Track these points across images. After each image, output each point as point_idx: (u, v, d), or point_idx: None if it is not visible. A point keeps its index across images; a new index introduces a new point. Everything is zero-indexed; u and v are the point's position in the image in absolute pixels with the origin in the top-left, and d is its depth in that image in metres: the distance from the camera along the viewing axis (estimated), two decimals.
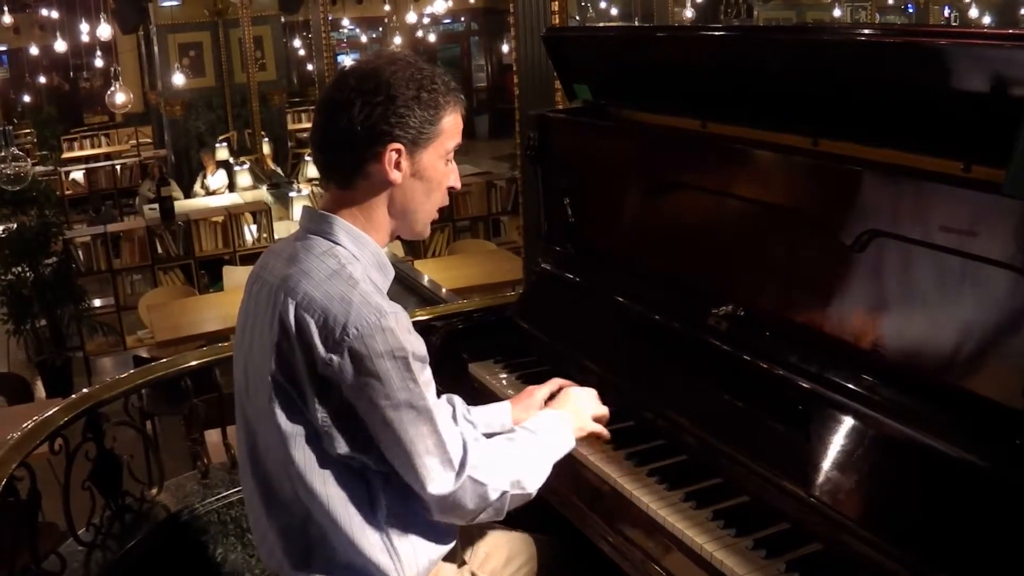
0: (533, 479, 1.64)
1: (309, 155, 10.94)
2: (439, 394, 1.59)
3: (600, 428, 1.89)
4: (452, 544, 1.66)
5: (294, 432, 1.48)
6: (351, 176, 1.53)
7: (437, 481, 1.50)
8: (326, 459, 1.49)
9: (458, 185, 1.62)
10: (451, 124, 1.56)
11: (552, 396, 1.97)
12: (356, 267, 1.50)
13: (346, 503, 1.50)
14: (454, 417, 1.84)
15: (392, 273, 1.61)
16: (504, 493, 1.57)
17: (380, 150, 1.49)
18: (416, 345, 1.47)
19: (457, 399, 1.86)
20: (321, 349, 1.42)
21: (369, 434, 1.48)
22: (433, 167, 1.55)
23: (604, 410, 1.91)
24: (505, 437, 1.70)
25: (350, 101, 1.48)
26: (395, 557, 1.54)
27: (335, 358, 1.42)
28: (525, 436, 1.70)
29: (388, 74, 1.49)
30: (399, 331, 1.44)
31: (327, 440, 1.48)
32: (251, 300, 1.60)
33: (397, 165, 1.51)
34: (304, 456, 1.48)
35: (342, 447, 1.48)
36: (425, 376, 1.49)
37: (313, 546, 1.54)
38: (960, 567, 1.36)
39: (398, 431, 1.46)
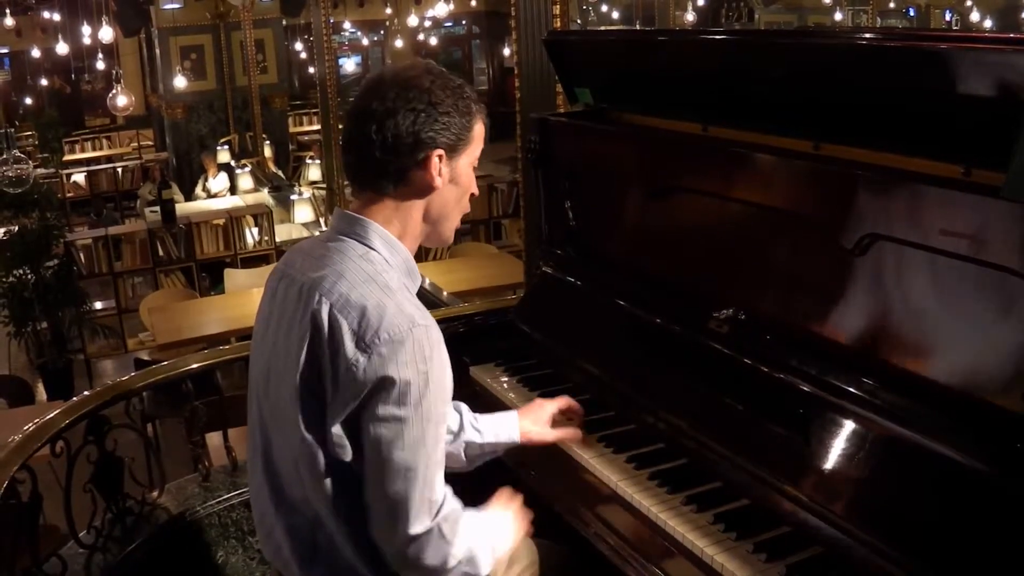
0: (483, 563, 1.57)
1: (310, 158, 10.99)
2: None
3: None
4: None
5: (313, 432, 1.47)
6: (393, 182, 1.53)
7: (414, 521, 1.45)
8: (339, 463, 1.48)
9: (476, 191, 1.64)
10: (480, 131, 1.60)
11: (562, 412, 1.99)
12: (392, 274, 1.51)
13: (353, 508, 1.50)
14: (461, 428, 1.85)
15: (419, 280, 1.62)
16: (458, 563, 1.51)
17: (426, 156, 1.51)
18: (441, 362, 1.47)
19: (464, 406, 1.85)
20: (349, 350, 1.42)
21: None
22: (466, 173, 1.58)
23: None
24: (474, 510, 1.64)
25: (394, 110, 1.49)
26: None
27: (361, 359, 1.41)
28: (488, 518, 1.65)
29: (428, 83, 1.52)
30: (428, 344, 1.44)
31: (338, 444, 1.47)
32: (276, 298, 1.59)
33: (439, 171, 1.53)
34: (319, 458, 1.48)
35: (348, 454, 1.48)
36: (439, 410, 1.47)
37: (319, 546, 1.54)
38: (960, 570, 1.36)
39: (394, 449, 1.43)
